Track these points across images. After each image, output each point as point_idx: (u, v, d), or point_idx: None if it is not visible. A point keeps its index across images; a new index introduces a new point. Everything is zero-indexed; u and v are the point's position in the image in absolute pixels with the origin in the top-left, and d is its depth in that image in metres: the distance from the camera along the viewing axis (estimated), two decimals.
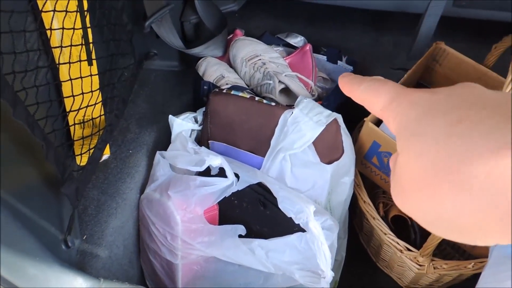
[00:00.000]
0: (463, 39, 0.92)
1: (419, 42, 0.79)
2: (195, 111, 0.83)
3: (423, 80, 0.87)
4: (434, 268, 0.73)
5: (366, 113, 0.75)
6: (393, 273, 0.87)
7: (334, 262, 0.80)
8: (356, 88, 0.23)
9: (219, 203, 0.75)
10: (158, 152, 0.80)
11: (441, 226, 0.18)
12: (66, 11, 0.61)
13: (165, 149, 0.80)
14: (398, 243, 0.75)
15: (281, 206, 0.67)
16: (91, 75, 0.70)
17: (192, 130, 0.83)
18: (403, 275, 0.84)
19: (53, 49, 0.64)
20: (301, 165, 0.71)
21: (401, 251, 0.75)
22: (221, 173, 0.74)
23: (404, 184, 0.19)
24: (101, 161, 0.80)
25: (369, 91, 0.22)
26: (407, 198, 0.19)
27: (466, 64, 0.79)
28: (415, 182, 0.18)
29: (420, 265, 0.74)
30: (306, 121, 0.69)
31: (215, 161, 0.72)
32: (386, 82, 0.22)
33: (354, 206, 0.83)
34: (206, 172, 0.76)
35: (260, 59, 0.85)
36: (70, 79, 0.65)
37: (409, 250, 0.74)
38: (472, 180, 0.16)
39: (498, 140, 0.15)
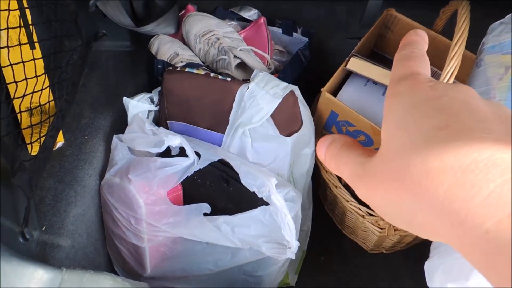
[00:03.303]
0: (413, 5, 0.93)
1: (369, 9, 0.79)
2: (150, 91, 0.81)
3: (377, 48, 0.88)
4: (395, 230, 0.76)
5: (323, 83, 0.75)
6: (357, 238, 0.89)
7: (301, 233, 0.82)
8: (399, 52, 0.23)
9: (183, 183, 0.74)
10: (115, 136, 0.77)
11: (397, 220, 0.19)
12: None
13: (122, 132, 0.78)
14: (360, 209, 0.77)
15: (243, 181, 0.67)
16: (34, 59, 0.66)
17: (149, 111, 0.81)
18: (367, 240, 0.87)
19: None
20: (261, 139, 0.71)
21: (363, 216, 0.77)
22: (182, 152, 0.73)
23: (376, 176, 0.19)
24: (55, 149, 0.77)
25: (400, 59, 0.23)
26: (374, 190, 0.19)
27: None
28: (387, 176, 0.18)
29: (381, 228, 0.76)
30: (262, 95, 0.69)
31: (175, 141, 0.71)
32: (416, 59, 0.22)
33: (317, 177, 0.84)
34: (167, 153, 0.75)
35: (214, 35, 0.84)
36: (11, 64, 0.61)
37: (370, 215, 0.76)
38: (437, 187, 0.16)
39: (466, 155, 0.16)
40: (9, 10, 0.61)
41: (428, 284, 0.53)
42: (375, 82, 0.76)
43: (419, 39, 0.24)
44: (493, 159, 0.16)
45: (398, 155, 0.18)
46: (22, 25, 0.64)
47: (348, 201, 0.78)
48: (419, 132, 0.18)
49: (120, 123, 0.82)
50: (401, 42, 0.24)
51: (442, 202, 0.16)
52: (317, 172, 0.82)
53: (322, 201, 0.94)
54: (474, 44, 0.67)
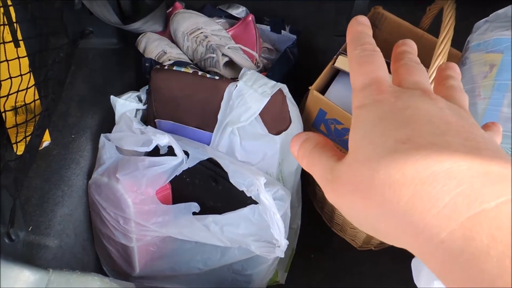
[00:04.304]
0: (400, 3, 0.93)
1: (357, 7, 0.79)
2: (138, 89, 0.80)
3: None
4: None
5: (311, 83, 0.75)
6: (346, 235, 0.90)
7: (290, 231, 0.82)
8: (350, 51, 0.23)
9: (171, 182, 0.74)
10: (102, 135, 0.77)
11: (364, 226, 0.20)
12: None
13: (110, 131, 0.77)
14: None
15: (232, 180, 0.67)
16: (18, 57, 0.65)
17: (137, 110, 0.81)
18: (356, 237, 0.87)
19: None
20: (250, 138, 0.71)
21: None
22: (170, 151, 0.72)
23: (344, 184, 0.20)
24: (41, 148, 0.76)
25: (355, 62, 0.22)
26: (342, 197, 0.20)
27: (403, 28, 0.81)
28: (353, 185, 0.19)
29: None
30: (251, 93, 0.69)
31: (163, 139, 0.70)
32: (371, 62, 0.22)
33: (306, 175, 0.84)
34: (155, 152, 0.74)
35: (202, 32, 0.83)
36: None
37: None
38: (399, 198, 0.17)
39: (427, 167, 0.17)
40: None
41: (415, 282, 0.54)
42: None
43: (364, 28, 0.24)
44: (450, 171, 0.16)
45: (363, 166, 0.19)
46: (5, 22, 0.63)
47: None
48: (383, 144, 0.19)
49: (108, 122, 0.81)
50: (347, 36, 0.24)
51: (403, 214, 0.17)
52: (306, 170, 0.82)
53: (311, 199, 0.94)
54: (460, 41, 0.68)
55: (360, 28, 0.24)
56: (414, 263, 0.54)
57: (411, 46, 0.25)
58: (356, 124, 0.21)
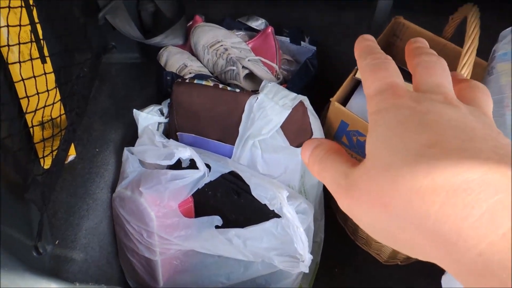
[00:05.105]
0: (421, 12, 0.92)
1: (377, 17, 0.79)
2: (160, 103, 0.81)
3: None
4: None
5: (333, 93, 0.75)
6: (371, 249, 0.88)
7: (314, 244, 0.81)
8: (360, 62, 0.22)
9: (194, 195, 0.74)
10: (126, 148, 0.78)
11: (383, 236, 0.19)
12: (9, 7, 0.58)
13: (133, 145, 0.78)
14: None
15: (254, 193, 0.67)
16: (45, 73, 0.67)
17: (159, 123, 0.81)
18: (381, 251, 0.86)
19: (1, 48, 0.60)
20: (271, 151, 0.71)
21: None
22: (192, 165, 0.73)
23: (362, 191, 0.19)
24: (67, 162, 0.77)
25: (367, 70, 0.21)
26: (360, 204, 0.19)
27: (425, 37, 0.79)
28: (374, 191, 0.18)
29: None
30: (272, 106, 0.69)
31: (185, 153, 0.71)
32: (385, 68, 0.21)
33: None
34: (177, 165, 0.75)
35: (222, 45, 0.84)
36: (22, 79, 0.62)
37: None
38: (428, 207, 0.16)
39: (459, 175, 0.16)
40: (20, 25, 0.61)
41: None
42: None
43: (372, 43, 0.23)
44: (485, 179, 0.15)
45: (385, 171, 0.18)
46: (33, 39, 0.65)
47: None
48: (407, 148, 0.17)
49: (131, 135, 0.82)
50: (356, 51, 0.23)
51: (433, 223, 0.16)
52: None
53: (334, 211, 0.93)
54: (483, 49, 0.66)
55: (368, 42, 0.23)
56: (445, 280, 0.53)
57: (424, 43, 0.24)
58: (373, 129, 0.19)
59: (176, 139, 0.80)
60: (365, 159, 0.19)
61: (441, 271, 0.63)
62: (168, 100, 0.79)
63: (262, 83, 0.73)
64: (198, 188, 0.72)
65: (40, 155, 0.70)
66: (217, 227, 0.71)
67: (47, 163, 0.70)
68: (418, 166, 0.16)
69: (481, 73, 0.68)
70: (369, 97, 0.21)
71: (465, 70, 0.56)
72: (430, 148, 0.17)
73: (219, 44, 0.85)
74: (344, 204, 0.20)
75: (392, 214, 0.17)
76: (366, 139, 0.20)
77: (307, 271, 0.67)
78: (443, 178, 0.16)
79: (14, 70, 0.63)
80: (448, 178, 0.16)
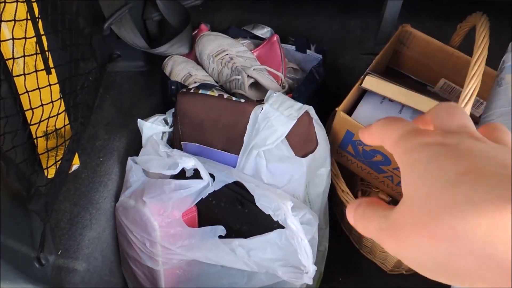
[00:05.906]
0: (428, 20, 0.91)
1: (384, 25, 0.78)
2: (164, 112, 0.81)
3: (393, 64, 0.87)
4: None
5: (338, 102, 0.74)
6: (376, 258, 0.87)
7: (318, 253, 0.80)
8: (372, 125, 0.24)
9: (197, 205, 0.74)
10: (129, 158, 0.77)
11: (433, 270, 0.19)
12: (15, 20, 0.58)
13: (137, 154, 0.78)
14: None
15: (258, 203, 0.66)
16: (50, 85, 0.67)
17: (164, 132, 0.81)
18: (386, 260, 0.84)
19: (6, 60, 0.61)
20: (276, 161, 0.70)
21: None
22: (196, 174, 0.72)
23: (405, 226, 0.19)
24: (70, 171, 0.77)
25: (385, 124, 0.23)
26: (404, 241, 0.19)
27: (433, 46, 0.79)
28: (416, 224, 0.18)
29: None
30: (277, 116, 0.68)
31: (189, 163, 0.70)
32: (401, 120, 0.22)
33: (334, 195, 0.83)
34: (181, 175, 0.74)
35: (227, 54, 0.83)
36: (27, 91, 0.62)
37: None
38: (475, 229, 0.16)
39: (502, 196, 0.16)
40: (25, 38, 0.61)
41: None
42: (391, 100, 0.74)
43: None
44: None
45: (425, 202, 0.18)
46: (38, 51, 0.65)
47: None
48: (444, 178, 0.18)
49: (135, 144, 0.82)
50: (362, 136, 0.24)
51: (482, 245, 0.16)
52: (334, 191, 0.81)
53: (339, 220, 0.92)
54: (492, 58, 0.65)
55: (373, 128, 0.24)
56: None
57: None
58: (407, 168, 0.20)
59: (180, 149, 0.79)
60: (402, 198, 0.20)
61: None
62: (173, 110, 0.79)
63: (268, 93, 0.73)
64: (202, 198, 0.72)
65: (44, 166, 0.70)
66: (220, 237, 0.71)
67: (50, 173, 0.70)
68: (458, 191, 0.17)
69: (490, 82, 0.67)
70: (394, 144, 0.21)
71: (474, 82, 0.55)
72: (466, 175, 0.17)
73: (224, 53, 0.84)
74: (391, 246, 0.20)
75: (439, 243, 0.17)
76: (401, 181, 0.20)
77: (311, 282, 0.66)
78: (485, 200, 0.16)
79: (19, 82, 0.63)
80: (489, 200, 0.16)
